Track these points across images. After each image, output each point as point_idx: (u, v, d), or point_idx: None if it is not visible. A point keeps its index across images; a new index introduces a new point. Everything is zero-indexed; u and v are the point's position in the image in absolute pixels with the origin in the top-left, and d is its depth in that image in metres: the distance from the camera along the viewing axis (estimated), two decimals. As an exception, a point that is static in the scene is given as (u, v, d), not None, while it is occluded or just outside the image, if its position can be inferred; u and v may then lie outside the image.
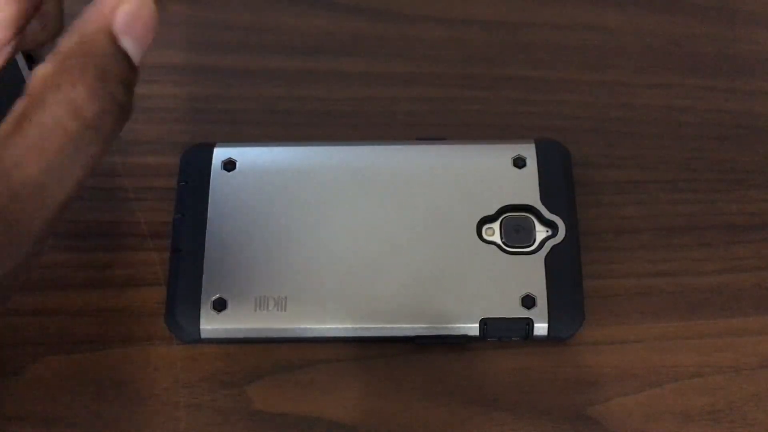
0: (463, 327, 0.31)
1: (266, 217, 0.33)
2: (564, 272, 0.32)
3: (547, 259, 0.32)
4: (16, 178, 0.20)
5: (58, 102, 0.20)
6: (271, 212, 0.33)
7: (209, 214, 0.33)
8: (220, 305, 0.31)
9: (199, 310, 0.31)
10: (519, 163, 0.33)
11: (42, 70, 0.21)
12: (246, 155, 0.34)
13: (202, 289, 0.32)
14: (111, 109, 0.21)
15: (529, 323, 0.31)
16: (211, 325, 0.31)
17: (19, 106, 0.20)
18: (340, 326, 0.31)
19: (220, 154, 0.34)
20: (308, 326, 0.31)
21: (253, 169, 0.34)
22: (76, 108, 0.20)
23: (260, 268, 0.32)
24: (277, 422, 0.31)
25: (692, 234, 0.34)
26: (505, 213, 0.33)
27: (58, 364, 0.32)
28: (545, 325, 0.31)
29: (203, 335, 0.31)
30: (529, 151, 0.34)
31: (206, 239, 0.32)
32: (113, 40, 0.21)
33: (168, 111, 0.37)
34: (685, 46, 0.38)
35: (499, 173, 0.33)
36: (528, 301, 0.31)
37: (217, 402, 0.32)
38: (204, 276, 0.32)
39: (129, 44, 0.21)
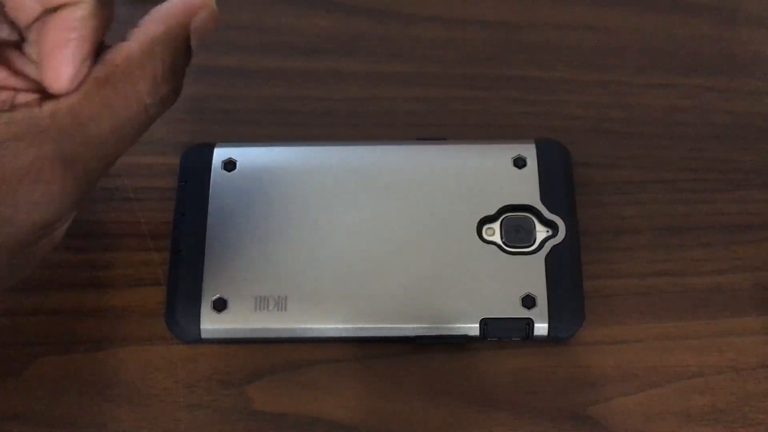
0: (463, 327, 0.31)
1: (266, 217, 0.33)
2: (564, 272, 0.32)
3: (548, 259, 0.32)
4: (91, 130, 0.24)
5: (144, 78, 0.24)
6: (271, 212, 0.33)
7: (209, 214, 0.33)
8: (220, 305, 0.31)
9: (199, 310, 0.31)
10: (519, 163, 0.33)
11: (128, 47, 0.24)
12: (246, 155, 0.34)
13: (202, 289, 0.32)
14: (174, 93, 0.26)
15: (529, 323, 0.31)
16: (211, 325, 0.31)
17: (100, 71, 0.24)
18: (340, 326, 0.31)
19: (220, 154, 0.34)
20: (308, 326, 0.31)
21: (253, 169, 0.34)
22: (156, 86, 0.25)
23: (260, 268, 0.32)
24: (277, 422, 0.31)
25: (692, 234, 0.34)
26: (505, 213, 0.33)
27: (58, 364, 0.32)
28: (545, 325, 0.31)
29: (203, 335, 0.31)
30: (529, 151, 0.34)
31: (206, 239, 0.32)
32: (188, 37, 0.25)
33: (168, 111, 0.36)
34: (685, 46, 0.38)
35: (499, 173, 0.33)
36: (528, 301, 0.31)
37: (217, 402, 0.32)
38: (204, 276, 0.32)
39: (193, 42, 0.26)
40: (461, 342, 0.32)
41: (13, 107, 0.23)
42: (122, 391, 0.32)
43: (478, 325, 0.31)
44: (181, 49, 0.25)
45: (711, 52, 0.38)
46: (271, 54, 0.38)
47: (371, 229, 0.32)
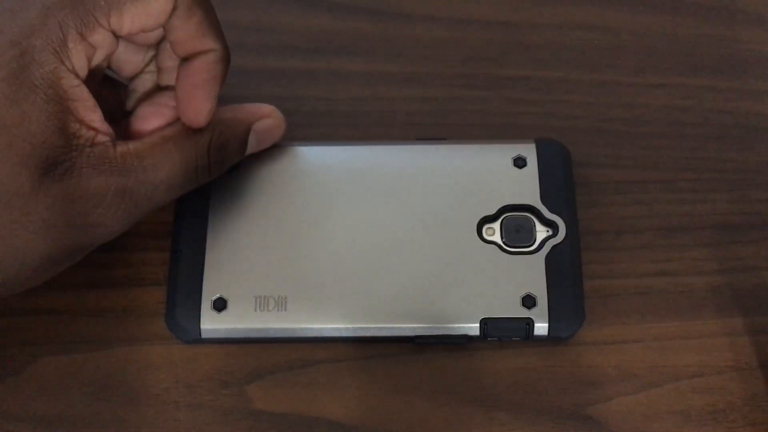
0: (464, 327, 0.31)
1: (266, 217, 0.33)
2: (564, 272, 0.32)
3: (548, 259, 0.32)
4: (149, 174, 0.29)
5: (200, 147, 0.30)
6: (271, 212, 0.33)
7: (209, 214, 0.33)
8: (220, 305, 0.31)
9: (200, 309, 0.31)
10: (519, 163, 0.33)
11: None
12: (246, 155, 0.34)
13: (203, 289, 0.32)
14: (221, 166, 0.32)
15: (529, 323, 0.31)
16: (211, 324, 0.31)
17: (176, 128, 0.30)
18: (340, 326, 0.31)
19: (220, 154, 0.34)
20: (308, 326, 0.31)
21: (253, 169, 0.34)
22: (207, 156, 0.30)
23: (260, 268, 0.32)
24: (277, 422, 0.31)
25: (692, 234, 0.34)
26: (505, 213, 0.33)
27: (58, 364, 0.32)
28: (545, 325, 0.31)
29: (203, 335, 0.31)
30: (529, 151, 0.34)
31: (206, 239, 0.32)
32: (247, 133, 0.32)
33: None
34: (685, 46, 0.38)
35: (499, 173, 0.33)
36: (528, 301, 0.31)
37: (217, 402, 0.32)
38: (204, 276, 0.32)
39: (253, 140, 0.32)
40: (461, 342, 0.32)
41: (93, 144, 0.28)
42: (122, 391, 0.32)
43: (478, 325, 0.31)
44: (238, 138, 0.32)
45: (711, 52, 0.38)
46: (271, 54, 0.38)
47: (371, 229, 0.32)
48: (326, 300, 0.31)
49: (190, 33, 0.29)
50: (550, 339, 0.32)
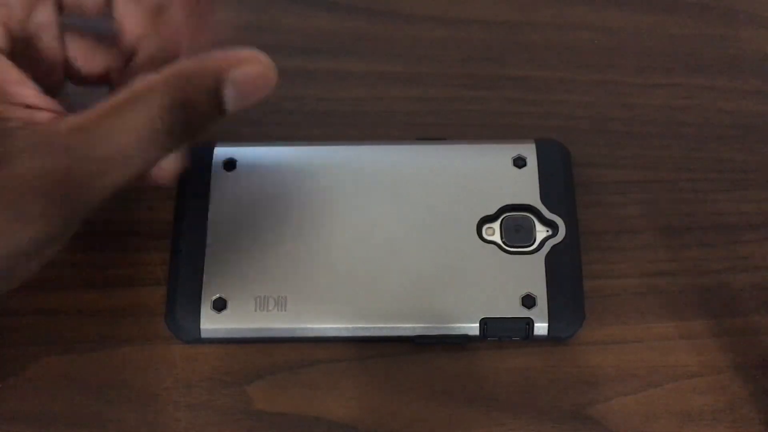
0: (463, 327, 0.31)
1: (266, 216, 0.33)
2: (564, 272, 0.32)
3: (548, 259, 0.32)
4: (100, 148, 0.24)
5: (157, 105, 0.25)
6: (271, 212, 0.33)
7: (209, 214, 0.33)
8: (220, 305, 0.31)
9: (200, 309, 0.31)
10: (519, 162, 0.33)
11: (150, 78, 0.25)
12: (246, 155, 0.34)
13: (202, 289, 0.32)
14: (188, 133, 0.26)
15: (529, 323, 0.31)
16: (211, 324, 0.31)
17: (126, 93, 0.25)
18: (340, 326, 0.31)
19: (220, 153, 0.34)
20: (308, 326, 0.31)
21: (253, 169, 0.34)
22: (164, 118, 0.25)
23: (260, 268, 0.32)
24: (277, 422, 0.31)
25: (692, 234, 0.34)
26: (505, 213, 0.33)
27: (58, 364, 0.32)
28: (545, 325, 0.31)
29: (203, 335, 0.31)
30: (529, 151, 0.34)
31: (206, 239, 0.32)
32: (218, 86, 0.25)
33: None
34: (685, 46, 0.38)
35: (499, 173, 0.33)
36: (528, 301, 0.31)
37: (217, 402, 0.32)
38: (204, 276, 0.32)
39: (231, 94, 0.26)
40: (461, 342, 0.32)
41: (27, 125, 0.24)
42: (122, 391, 0.32)
43: (478, 325, 0.31)
44: (206, 91, 0.25)
45: (711, 52, 0.38)
46: (271, 54, 0.38)
47: (371, 229, 0.32)
48: (326, 300, 0.31)
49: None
50: (549, 339, 0.32)
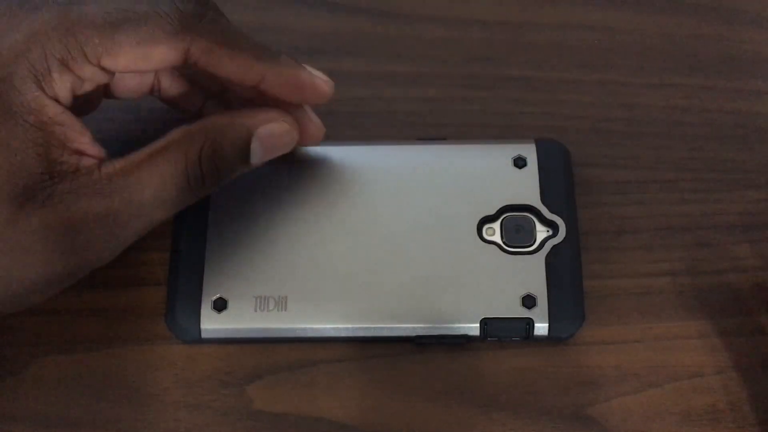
0: (464, 327, 0.31)
1: (266, 216, 0.33)
2: (564, 272, 0.32)
3: (548, 259, 0.32)
4: (136, 193, 0.27)
5: (193, 154, 0.28)
6: (271, 212, 0.33)
7: (209, 214, 0.33)
8: (220, 305, 0.31)
9: (200, 309, 0.31)
10: (519, 163, 0.33)
11: (186, 129, 0.28)
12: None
13: (203, 289, 0.32)
14: (215, 182, 0.29)
15: (529, 323, 0.31)
16: (211, 324, 0.31)
17: (164, 142, 0.28)
18: (340, 326, 0.31)
19: (220, 154, 0.34)
20: (308, 326, 0.31)
21: (253, 169, 0.33)
22: (196, 166, 0.28)
23: (260, 268, 0.32)
24: (277, 422, 0.31)
25: (692, 234, 0.34)
26: (505, 213, 0.33)
27: (58, 364, 0.32)
28: (545, 325, 0.31)
29: (203, 335, 0.31)
30: (529, 151, 0.34)
31: (206, 239, 0.32)
32: (247, 138, 0.29)
33: (168, 110, 0.36)
34: (685, 46, 0.38)
35: (499, 173, 0.33)
36: (528, 301, 0.31)
37: (217, 402, 0.32)
38: (204, 276, 0.32)
39: (257, 148, 0.29)
40: (461, 342, 0.32)
41: (77, 170, 0.27)
42: (122, 391, 0.32)
43: (478, 325, 0.31)
44: (235, 144, 0.29)
45: (711, 52, 0.38)
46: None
47: (371, 229, 0.32)
48: (326, 300, 0.31)
49: (234, 71, 0.28)
50: (550, 339, 0.32)
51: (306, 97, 0.30)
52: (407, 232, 0.32)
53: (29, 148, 0.26)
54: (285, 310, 0.31)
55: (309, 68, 0.30)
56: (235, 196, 0.33)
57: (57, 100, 0.27)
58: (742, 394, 0.32)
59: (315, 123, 0.32)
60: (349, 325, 0.31)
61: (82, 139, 0.27)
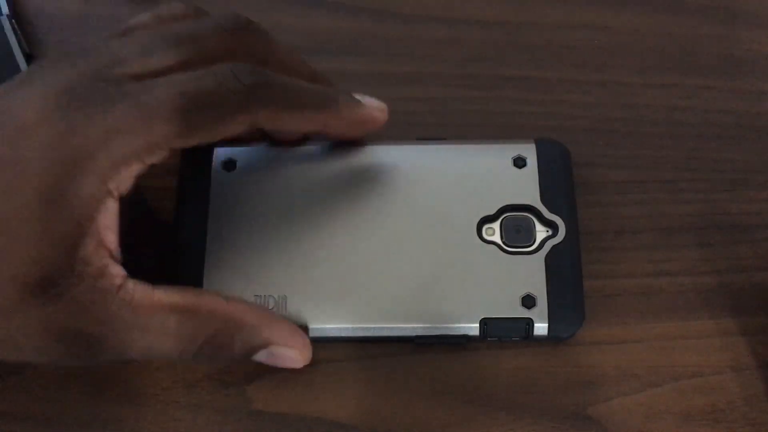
0: (463, 327, 0.31)
1: (266, 216, 0.33)
2: (564, 272, 0.32)
3: (548, 259, 0.32)
4: (134, 337, 0.27)
5: (203, 333, 0.28)
6: (271, 212, 0.33)
7: (209, 214, 0.33)
8: (220, 305, 0.31)
9: (199, 309, 0.31)
10: (519, 162, 0.33)
11: (219, 301, 0.29)
12: (246, 155, 0.34)
13: (202, 288, 0.32)
14: (200, 360, 0.29)
15: (529, 323, 0.31)
16: (211, 324, 0.31)
17: (187, 302, 0.28)
18: (340, 326, 0.31)
19: (220, 153, 0.34)
20: (308, 326, 0.31)
21: (253, 169, 0.34)
22: (197, 344, 0.28)
23: (260, 268, 0.32)
24: (277, 422, 0.31)
25: (692, 234, 0.34)
26: (505, 213, 0.33)
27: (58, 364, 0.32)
28: (545, 325, 0.31)
29: (203, 335, 0.31)
30: (529, 151, 0.34)
31: (206, 239, 0.32)
32: (259, 348, 0.29)
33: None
34: (685, 46, 0.38)
35: (499, 173, 0.33)
36: (528, 301, 0.31)
37: (217, 402, 0.32)
38: (204, 276, 0.32)
39: (262, 357, 0.29)
40: (461, 342, 0.32)
41: (99, 276, 0.26)
42: (122, 391, 0.32)
43: (478, 325, 0.31)
44: (243, 351, 0.29)
45: (711, 52, 0.38)
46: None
47: (371, 229, 0.32)
48: (326, 300, 0.31)
49: (298, 127, 0.30)
50: (550, 339, 0.32)
51: (365, 130, 0.32)
52: (407, 232, 0.32)
53: (62, 240, 0.25)
54: (285, 309, 0.31)
55: (365, 99, 0.32)
56: (235, 195, 0.33)
57: (113, 196, 0.26)
58: (742, 394, 0.32)
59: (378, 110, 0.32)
60: (349, 325, 0.31)
61: (113, 238, 0.27)
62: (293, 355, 0.29)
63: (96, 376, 0.32)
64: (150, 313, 0.27)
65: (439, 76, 0.37)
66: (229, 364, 0.31)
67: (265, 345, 0.29)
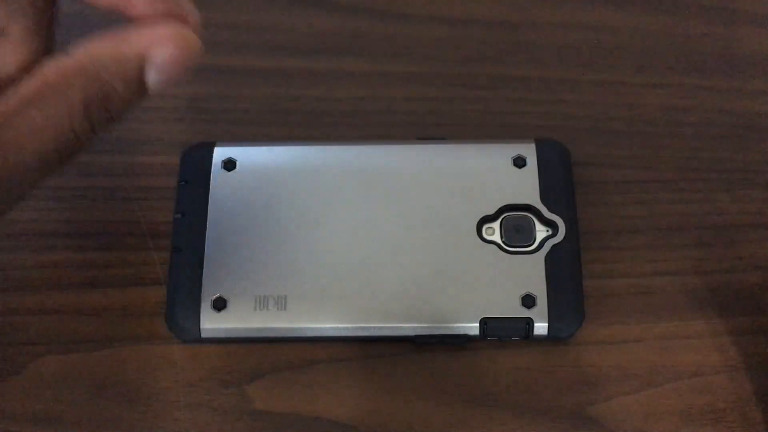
0: (463, 327, 0.31)
1: (266, 216, 0.33)
2: (564, 272, 0.32)
3: (547, 259, 0.32)
4: (12, 156, 0.22)
5: (76, 100, 0.22)
6: (271, 212, 0.33)
7: (209, 214, 0.33)
8: (220, 304, 0.31)
9: (199, 309, 0.31)
10: (519, 162, 0.33)
11: (64, 63, 0.22)
12: (246, 155, 0.34)
13: (202, 288, 0.32)
14: (100, 127, 0.23)
15: (529, 323, 0.31)
16: (211, 324, 0.31)
17: (40, 83, 0.22)
18: (340, 326, 0.31)
19: (220, 153, 0.34)
20: (308, 326, 0.31)
21: (253, 169, 0.34)
22: (81, 116, 0.22)
23: (260, 268, 0.32)
24: (277, 422, 0.31)
25: (692, 234, 0.34)
26: (505, 212, 0.33)
27: (58, 364, 0.32)
28: (545, 325, 0.31)
29: (203, 334, 0.31)
30: (529, 151, 0.34)
31: (206, 239, 0.32)
32: (140, 71, 0.23)
33: (168, 110, 0.37)
34: (685, 46, 0.38)
35: (499, 173, 0.33)
36: (528, 301, 0.31)
37: (217, 402, 0.32)
38: (204, 275, 0.32)
39: (154, 77, 0.23)
40: (461, 342, 0.32)
41: None
42: (122, 390, 0.32)
43: (478, 325, 0.31)
44: (127, 81, 0.23)
45: (711, 52, 0.38)
46: (271, 54, 0.38)
47: (371, 229, 0.32)
48: (326, 300, 0.31)
49: None
50: (549, 339, 0.32)
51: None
52: (407, 232, 0.32)
53: None
54: (285, 309, 0.31)
55: None
56: (234, 195, 0.33)
57: None
58: (742, 394, 0.32)
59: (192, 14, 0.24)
60: (349, 325, 0.31)
61: None
62: (181, 41, 0.23)
63: (96, 376, 0.32)
64: (16, 113, 0.22)
65: (439, 76, 0.37)
66: (131, 106, 0.24)
67: (143, 63, 0.23)
